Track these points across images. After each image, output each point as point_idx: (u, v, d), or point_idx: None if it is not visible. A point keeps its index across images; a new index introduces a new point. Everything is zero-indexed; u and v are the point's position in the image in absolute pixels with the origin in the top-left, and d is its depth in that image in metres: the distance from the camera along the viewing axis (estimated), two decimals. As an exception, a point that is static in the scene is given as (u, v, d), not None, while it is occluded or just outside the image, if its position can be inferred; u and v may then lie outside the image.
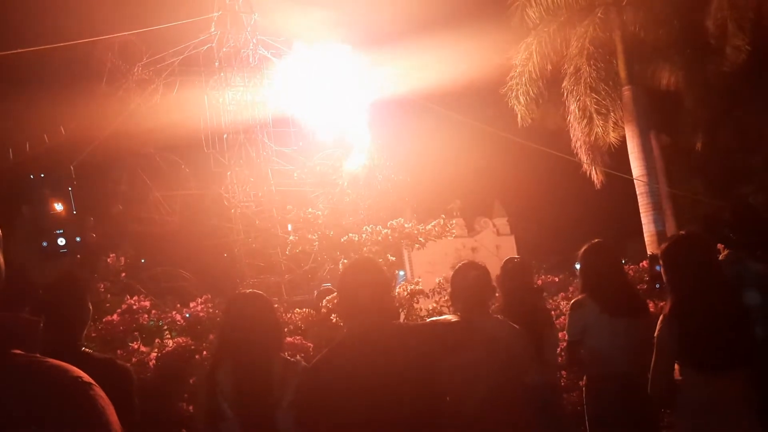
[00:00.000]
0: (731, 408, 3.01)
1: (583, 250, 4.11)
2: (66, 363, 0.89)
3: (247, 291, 3.13)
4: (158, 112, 15.41)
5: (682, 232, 3.51)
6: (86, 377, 0.88)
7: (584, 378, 4.15)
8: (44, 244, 1.84)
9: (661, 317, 3.21)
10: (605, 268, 4.00)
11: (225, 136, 16.51)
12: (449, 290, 3.64)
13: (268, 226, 15.16)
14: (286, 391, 2.69)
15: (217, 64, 16.47)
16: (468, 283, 3.33)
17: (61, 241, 1.87)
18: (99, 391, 0.88)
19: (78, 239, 1.94)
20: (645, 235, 13.77)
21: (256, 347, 2.76)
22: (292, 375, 2.74)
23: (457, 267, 3.50)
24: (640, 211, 13.91)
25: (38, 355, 0.88)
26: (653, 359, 3.19)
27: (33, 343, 0.89)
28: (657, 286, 5.52)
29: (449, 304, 3.89)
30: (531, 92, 14.10)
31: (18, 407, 0.80)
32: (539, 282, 7.35)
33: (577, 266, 4.13)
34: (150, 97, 15.74)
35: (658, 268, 3.36)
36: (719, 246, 3.85)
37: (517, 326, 3.33)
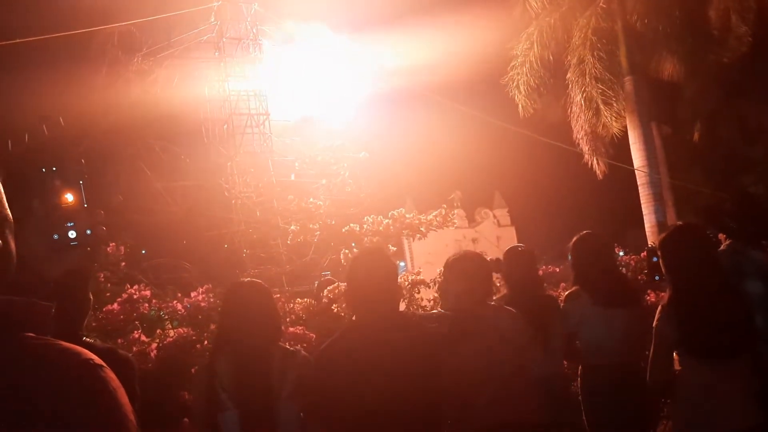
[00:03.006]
0: (731, 396, 3.01)
1: (572, 242, 4.07)
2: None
3: (245, 280, 3.10)
4: (158, 103, 15.37)
5: (680, 223, 3.49)
6: (97, 360, 0.89)
7: (579, 368, 4.15)
8: (55, 236, 1.83)
9: (660, 307, 3.21)
10: (595, 260, 3.96)
11: (225, 126, 16.50)
12: (442, 282, 3.55)
13: (268, 216, 15.16)
14: (286, 381, 2.67)
15: (217, 54, 16.43)
16: (467, 274, 3.28)
17: (72, 234, 1.86)
18: (110, 374, 0.89)
19: (88, 232, 1.94)
20: (646, 225, 13.77)
21: (254, 336, 2.74)
22: (292, 365, 2.72)
23: (454, 258, 3.34)
24: (641, 201, 13.91)
25: (50, 338, 0.89)
26: (652, 349, 3.19)
27: (45, 327, 0.91)
28: (656, 277, 5.54)
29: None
30: (532, 82, 14.08)
31: (32, 388, 0.81)
32: (540, 272, 7.32)
33: (569, 258, 4.11)
34: (150, 87, 15.70)
35: (655, 259, 3.35)
36: (720, 236, 3.84)
37: (517, 312, 3.30)
